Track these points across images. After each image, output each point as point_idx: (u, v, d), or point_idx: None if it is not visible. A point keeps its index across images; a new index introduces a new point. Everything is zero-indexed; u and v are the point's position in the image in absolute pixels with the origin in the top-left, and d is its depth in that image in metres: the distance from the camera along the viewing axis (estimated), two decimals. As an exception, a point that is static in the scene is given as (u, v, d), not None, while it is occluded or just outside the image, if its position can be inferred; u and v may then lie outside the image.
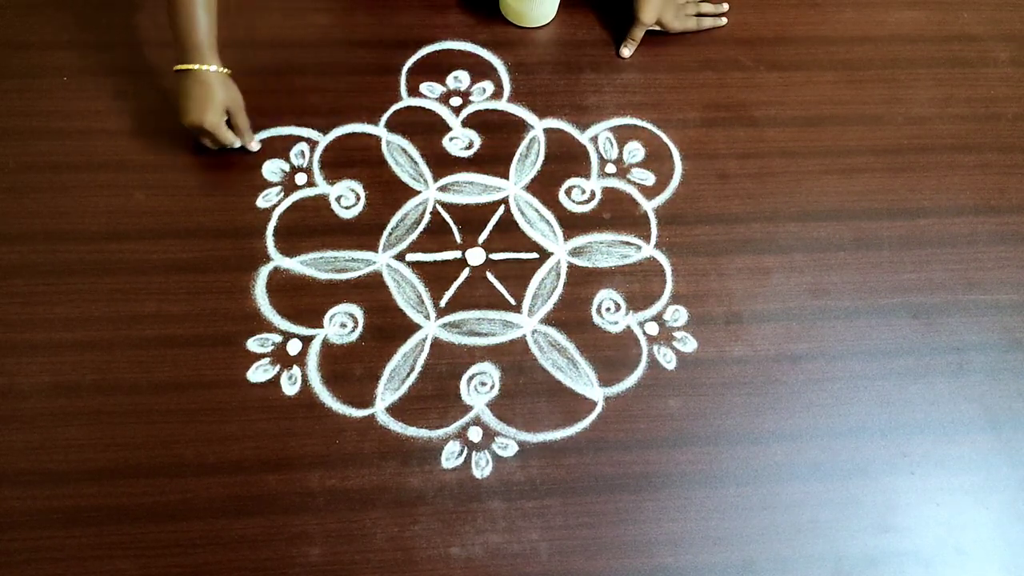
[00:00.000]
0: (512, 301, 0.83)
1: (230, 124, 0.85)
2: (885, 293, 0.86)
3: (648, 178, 0.91)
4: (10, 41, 0.94)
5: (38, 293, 0.80)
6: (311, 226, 0.85)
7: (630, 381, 0.80)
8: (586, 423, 0.78)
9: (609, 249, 0.87)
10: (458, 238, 0.86)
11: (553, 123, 0.93)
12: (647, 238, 0.88)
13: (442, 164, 0.90)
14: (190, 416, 0.75)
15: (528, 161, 0.91)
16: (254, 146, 0.88)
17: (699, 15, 1.00)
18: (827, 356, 0.82)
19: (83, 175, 0.86)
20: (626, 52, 0.98)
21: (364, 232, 0.86)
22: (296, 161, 0.89)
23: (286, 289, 0.82)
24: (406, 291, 0.83)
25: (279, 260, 0.84)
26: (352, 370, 0.79)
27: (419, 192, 0.88)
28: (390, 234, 0.86)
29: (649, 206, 0.89)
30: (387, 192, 0.88)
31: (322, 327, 0.81)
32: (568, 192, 0.90)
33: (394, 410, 0.77)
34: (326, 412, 0.77)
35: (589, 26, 1.01)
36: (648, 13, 0.94)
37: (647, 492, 0.75)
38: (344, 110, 0.92)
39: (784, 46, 1.01)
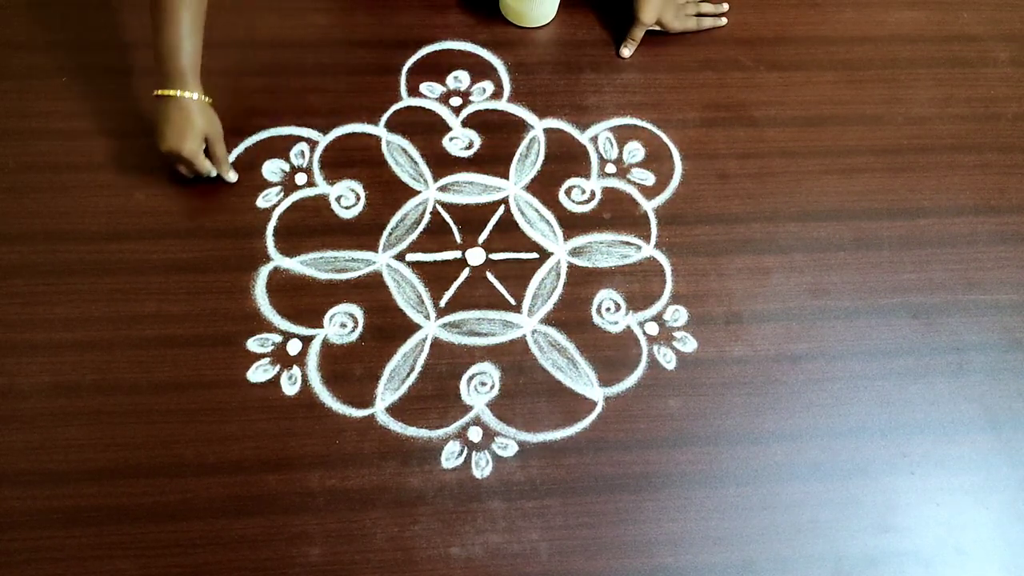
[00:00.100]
0: (512, 301, 0.83)
1: (208, 153, 0.84)
2: (885, 293, 0.86)
3: (648, 178, 0.91)
4: (10, 41, 0.94)
5: (38, 293, 0.80)
6: (311, 226, 0.85)
7: (630, 381, 0.80)
8: (586, 423, 0.78)
9: (609, 249, 0.87)
10: (458, 238, 0.86)
11: (553, 123, 0.93)
12: (647, 238, 0.88)
13: (442, 164, 0.90)
14: (190, 416, 0.75)
15: (528, 161, 0.91)
16: (231, 177, 0.86)
17: (699, 15, 1.00)
18: (827, 356, 0.82)
19: (83, 175, 0.86)
20: (626, 52, 0.98)
21: (364, 232, 0.86)
22: (296, 161, 0.89)
23: (286, 289, 0.82)
24: (406, 291, 0.83)
25: (279, 260, 0.83)
26: (352, 370, 0.79)
27: (419, 192, 0.88)
28: (390, 234, 0.86)
29: (649, 206, 0.89)
30: (387, 192, 0.88)
31: (322, 327, 0.81)
32: (568, 192, 0.90)
33: (394, 410, 0.77)
34: (326, 412, 0.77)
35: (589, 26, 1.00)
36: (648, 13, 0.94)
37: (647, 492, 0.75)
38: (344, 110, 0.92)
39: (784, 46, 1.01)
